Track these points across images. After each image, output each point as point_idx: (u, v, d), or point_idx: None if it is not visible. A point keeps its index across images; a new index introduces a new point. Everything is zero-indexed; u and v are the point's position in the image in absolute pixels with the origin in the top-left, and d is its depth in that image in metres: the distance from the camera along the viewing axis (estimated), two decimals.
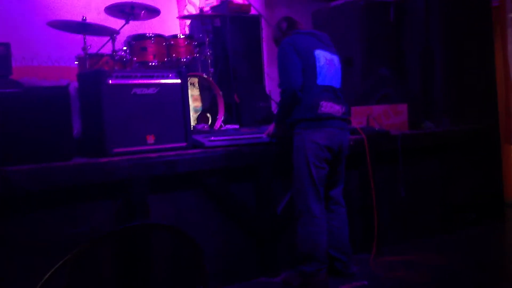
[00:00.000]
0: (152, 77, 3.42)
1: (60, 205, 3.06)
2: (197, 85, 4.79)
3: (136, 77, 3.37)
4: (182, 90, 3.52)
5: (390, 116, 4.42)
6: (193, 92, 4.82)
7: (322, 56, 3.51)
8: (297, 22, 3.74)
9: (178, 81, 3.52)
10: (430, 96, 4.92)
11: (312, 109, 3.43)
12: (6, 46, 4.18)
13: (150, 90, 3.40)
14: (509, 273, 3.83)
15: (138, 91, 3.36)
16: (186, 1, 6.47)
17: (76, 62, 4.60)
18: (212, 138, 3.58)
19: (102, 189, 3.18)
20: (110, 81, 3.27)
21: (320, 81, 3.47)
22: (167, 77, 3.48)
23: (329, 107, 3.47)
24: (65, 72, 5.32)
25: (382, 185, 4.25)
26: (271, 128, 3.69)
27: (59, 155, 3.03)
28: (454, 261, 3.88)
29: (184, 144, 3.50)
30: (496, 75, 5.04)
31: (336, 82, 3.57)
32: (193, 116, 4.62)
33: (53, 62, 5.50)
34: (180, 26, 6.35)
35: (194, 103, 4.79)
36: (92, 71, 3.74)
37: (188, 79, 4.54)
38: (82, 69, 4.46)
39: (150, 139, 3.39)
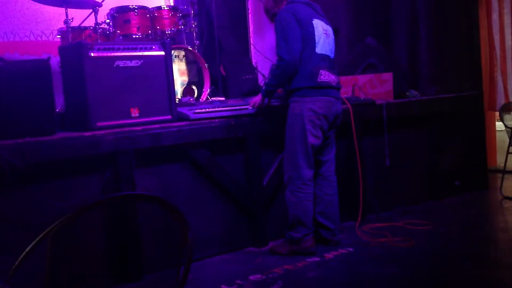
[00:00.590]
0: (135, 49, 3.39)
1: (47, 180, 3.06)
2: (183, 58, 4.75)
3: (118, 50, 3.33)
4: (166, 62, 3.49)
5: (375, 86, 4.42)
6: (180, 66, 4.78)
7: (320, 26, 3.55)
8: None
9: (162, 53, 3.49)
10: (416, 65, 4.93)
11: (312, 77, 3.46)
12: None
13: (133, 63, 3.37)
14: (492, 235, 3.90)
15: (121, 63, 3.33)
16: None
17: (58, 36, 4.54)
18: (197, 110, 3.56)
19: (88, 163, 3.19)
20: (92, 54, 3.23)
21: (318, 50, 3.50)
22: (151, 49, 3.45)
23: (327, 76, 3.51)
24: (48, 47, 5.22)
25: (368, 154, 4.30)
26: (257, 99, 3.69)
27: (42, 130, 3.01)
28: (439, 226, 3.94)
29: (169, 117, 3.48)
30: (480, 44, 5.04)
31: (331, 52, 3.62)
32: (180, 90, 4.59)
33: (35, 37, 5.41)
34: None
35: (182, 77, 4.76)
36: (74, 44, 3.68)
37: (173, 51, 4.51)
38: (64, 43, 4.40)
39: (135, 112, 3.38)
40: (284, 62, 3.44)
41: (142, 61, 3.40)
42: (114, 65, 3.31)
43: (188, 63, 4.80)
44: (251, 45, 5.89)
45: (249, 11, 5.83)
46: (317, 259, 3.46)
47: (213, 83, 4.92)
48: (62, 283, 2.68)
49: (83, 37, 4.38)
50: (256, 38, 6.16)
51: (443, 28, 4.83)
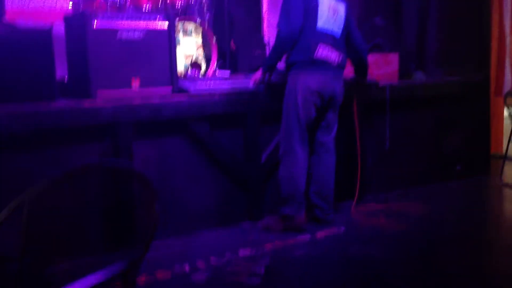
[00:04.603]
0: (138, 20, 3.42)
1: (44, 147, 3.12)
2: (193, 31, 4.73)
3: (122, 20, 3.36)
4: (169, 34, 3.51)
5: (380, 66, 4.40)
6: (190, 39, 4.77)
7: (326, 2, 3.52)
8: None
9: (165, 24, 3.51)
10: (424, 47, 4.89)
11: (308, 51, 3.46)
12: None
13: (136, 34, 3.40)
14: (490, 223, 3.91)
15: (124, 34, 3.37)
16: None
17: (70, 6, 4.59)
18: (197, 85, 3.60)
19: (86, 132, 3.25)
20: (95, 25, 3.27)
21: (320, 25, 3.49)
22: (154, 21, 3.48)
23: (325, 52, 3.49)
24: (60, 15, 5.31)
25: (369, 135, 4.30)
26: (257, 74, 3.71)
27: (42, 95, 3.08)
28: (435, 211, 3.96)
29: (169, 88, 3.52)
30: (491, 29, 4.97)
31: (338, 30, 3.59)
32: (188, 63, 4.60)
33: (49, 6, 5.47)
34: None
35: (190, 51, 4.75)
36: (77, 14, 3.74)
37: (182, 24, 4.52)
38: (76, 11, 4.45)
39: (136, 82, 3.43)
40: (281, 36, 3.46)
41: (145, 32, 3.43)
42: (117, 36, 3.35)
43: (198, 37, 4.81)
44: (264, 21, 5.87)
45: None
46: (308, 236, 3.51)
47: (221, 57, 4.95)
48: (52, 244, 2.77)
49: (94, 6, 4.43)
50: (270, 14, 6.14)
51: (453, 10, 4.77)
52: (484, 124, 4.90)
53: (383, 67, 4.41)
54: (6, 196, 2.93)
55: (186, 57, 4.53)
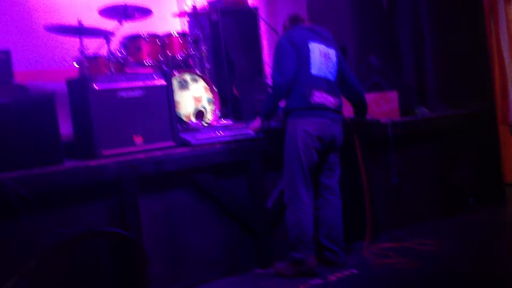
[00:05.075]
0: (137, 80, 3.54)
1: (54, 208, 3.20)
2: (196, 81, 4.82)
3: (121, 81, 3.48)
4: (167, 90, 3.63)
5: (380, 104, 4.45)
6: (193, 90, 4.84)
7: (317, 48, 3.62)
8: (300, 20, 3.85)
9: (163, 82, 3.63)
10: (424, 81, 4.93)
11: (304, 98, 3.53)
12: (6, 53, 4.33)
13: (136, 93, 3.52)
14: (508, 258, 3.81)
15: (124, 94, 3.48)
16: None
17: (75, 65, 4.76)
18: (199, 136, 3.68)
19: (93, 191, 3.32)
20: (96, 87, 3.39)
21: (313, 71, 3.57)
22: (152, 79, 3.59)
23: (322, 97, 3.56)
24: (69, 74, 5.49)
25: (375, 172, 4.31)
26: (256, 123, 3.79)
27: (50, 160, 3.18)
28: (449, 247, 3.90)
29: (171, 143, 3.61)
30: (490, 57, 5.01)
31: (331, 75, 3.67)
32: (192, 114, 4.67)
33: (58, 65, 5.65)
34: (180, 22, 6.43)
35: (195, 101, 4.83)
36: (79, 77, 3.89)
37: (185, 76, 4.64)
38: (81, 71, 4.61)
39: (138, 139, 3.52)
40: (275, 85, 3.56)
41: (144, 90, 3.55)
42: (118, 96, 3.47)
43: (199, 87, 4.91)
44: (265, 65, 5.99)
45: (261, 32, 5.92)
46: (320, 281, 3.49)
47: (224, 104, 5.05)
48: None
49: (98, 65, 4.59)
50: (270, 57, 6.26)
51: (449, 43, 4.82)
52: (494, 153, 4.87)
53: (383, 105, 4.46)
54: (18, 255, 3.04)
55: (189, 106, 4.63)
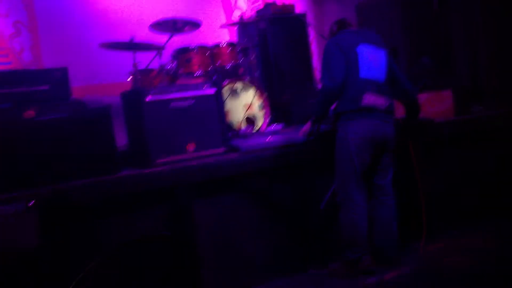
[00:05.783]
0: (187, 91, 3.64)
1: (112, 214, 3.35)
2: (246, 89, 4.89)
3: (171, 92, 3.59)
4: (216, 99, 3.72)
5: (434, 104, 4.37)
6: (243, 97, 4.91)
7: (365, 51, 3.62)
8: (347, 24, 3.87)
9: (212, 91, 3.71)
10: (479, 80, 4.81)
11: (354, 101, 3.54)
12: (63, 70, 4.54)
13: (187, 102, 3.63)
14: None
15: (175, 104, 3.59)
16: (233, 7, 6.66)
17: (128, 79, 4.93)
18: (249, 142, 3.74)
19: (148, 198, 3.44)
20: (148, 99, 3.51)
21: (363, 74, 3.57)
22: (202, 89, 3.69)
23: (372, 99, 3.56)
24: (124, 87, 5.69)
25: (431, 172, 4.23)
26: (306, 127, 3.81)
27: (106, 170, 3.31)
28: (507, 247, 3.79)
29: (222, 149, 3.68)
30: None
31: (381, 77, 3.65)
32: (243, 120, 4.75)
33: (112, 79, 5.87)
34: (229, 32, 6.55)
35: (245, 108, 4.91)
36: (132, 90, 4.03)
37: (234, 84, 4.73)
38: (135, 84, 4.77)
39: (190, 147, 3.61)
40: (325, 90, 3.57)
41: (194, 100, 3.65)
42: (169, 107, 3.58)
43: (251, 94, 4.98)
44: (315, 70, 6.00)
45: (310, 37, 5.94)
46: (376, 279, 3.47)
47: (274, 110, 5.09)
48: None
49: (150, 78, 4.73)
50: (319, 62, 6.26)
51: (504, 41, 4.68)
52: None
53: (437, 104, 4.37)
54: (80, 260, 3.18)
55: (240, 113, 4.71)
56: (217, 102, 3.71)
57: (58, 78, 3.73)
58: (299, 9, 6.26)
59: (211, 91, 3.70)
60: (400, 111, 4.38)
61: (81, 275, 1.65)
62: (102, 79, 5.83)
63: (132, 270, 3.14)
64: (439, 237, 4.12)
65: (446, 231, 4.19)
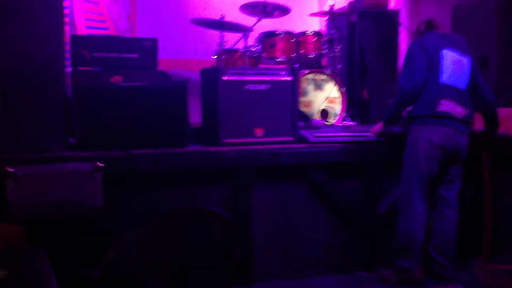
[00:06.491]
0: (264, 75, 3.69)
1: (175, 186, 3.48)
2: (326, 81, 4.87)
3: (249, 74, 3.66)
4: (292, 86, 3.73)
5: None
6: (322, 89, 4.89)
7: (449, 56, 3.51)
8: (435, 25, 3.75)
9: (290, 78, 3.74)
10: None
11: (430, 105, 3.45)
12: (153, 41, 4.74)
13: (262, 87, 3.68)
14: None
15: (250, 87, 3.66)
16: None
17: (214, 57, 5.06)
18: (317, 134, 3.75)
19: (211, 175, 3.55)
20: (225, 78, 3.60)
21: (443, 79, 3.47)
22: (279, 75, 3.72)
23: (449, 106, 3.45)
24: (208, 65, 5.84)
25: (501, 190, 4.05)
26: (378, 126, 3.76)
27: (175, 142, 3.45)
28: None
29: (290, 138, 3.72)
30: None
31: (462, 84, 3.53)
32: (317, 112, 4.75)
33: (199, 56, 6.03)
34: (319, 21, 6.51)
35: (322, 100, 4.89)
36: (211, 68, 4.12)
37: (319, 75, 4.73)
38: (218, 63, 4.89)
39: (259, 132, 3.68)
40: (403, 90, 3.49)
41: (270, 85, 3.69)
42: (245, 88, 3.65)
43: (328, 87, 4.96)
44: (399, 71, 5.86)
45: (400, 36, 5.80)
46: None
47: (352, 106, 5.05)
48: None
49: (234, 58, 4.84)
50: None
51: None
52: None
53: None
54: (140, 223, 3.34)
55: (318, 105, 4.71)
56: (293, 90, 3.73)
57: (148, 48, 3.90)
58: (394, 5, 6.11)
59: (288, 78, 3.73)
60: (480, 123, 4.22)
61: (131, 238, 1.75)
62: (189, 55, 6.01)
63: (186, 241, 3.26)
64: (503, 258, 3.95)
65: (510, 253, 4.01)
